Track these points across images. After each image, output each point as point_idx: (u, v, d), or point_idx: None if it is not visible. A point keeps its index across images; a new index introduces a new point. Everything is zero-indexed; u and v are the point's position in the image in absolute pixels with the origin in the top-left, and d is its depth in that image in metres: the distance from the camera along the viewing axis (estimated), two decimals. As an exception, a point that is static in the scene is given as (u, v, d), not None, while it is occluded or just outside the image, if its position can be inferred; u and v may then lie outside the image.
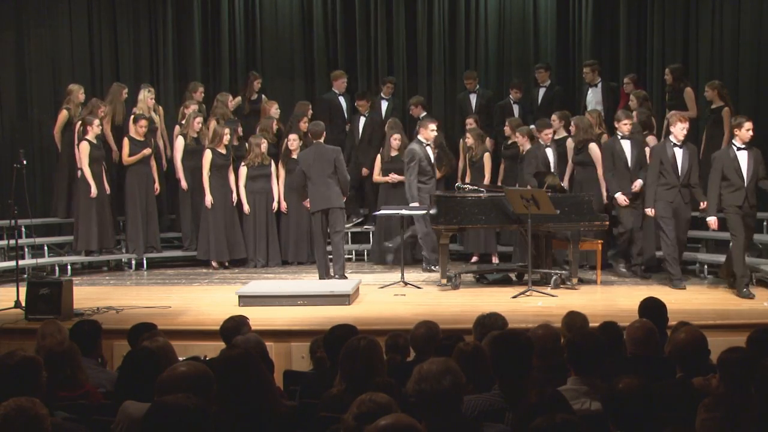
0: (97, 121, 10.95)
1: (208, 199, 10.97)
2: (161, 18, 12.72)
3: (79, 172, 10.92)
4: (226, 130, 11.07)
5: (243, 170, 11.11)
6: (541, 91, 12.12)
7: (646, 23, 12.16)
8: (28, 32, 12.40)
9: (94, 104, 11.28)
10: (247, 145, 11.19)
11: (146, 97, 11.58)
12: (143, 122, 11.14)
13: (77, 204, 11.04)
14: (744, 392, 3.87)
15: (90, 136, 10.89)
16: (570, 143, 10.74)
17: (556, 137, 10.83)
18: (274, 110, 11.75)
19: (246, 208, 11.12)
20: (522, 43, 12.77)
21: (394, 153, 11.29)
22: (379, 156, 11.45)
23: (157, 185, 11.41)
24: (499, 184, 10.96)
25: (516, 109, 11.99)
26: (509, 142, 11.17)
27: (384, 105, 12.25)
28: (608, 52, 12.44)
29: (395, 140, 11.28)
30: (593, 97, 11.75)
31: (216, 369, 3.96)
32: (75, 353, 4.79)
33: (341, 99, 12.29)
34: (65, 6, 12.49)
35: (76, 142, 11.01)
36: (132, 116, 11.29)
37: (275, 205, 11.25)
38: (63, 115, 11.36)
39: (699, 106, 10.97)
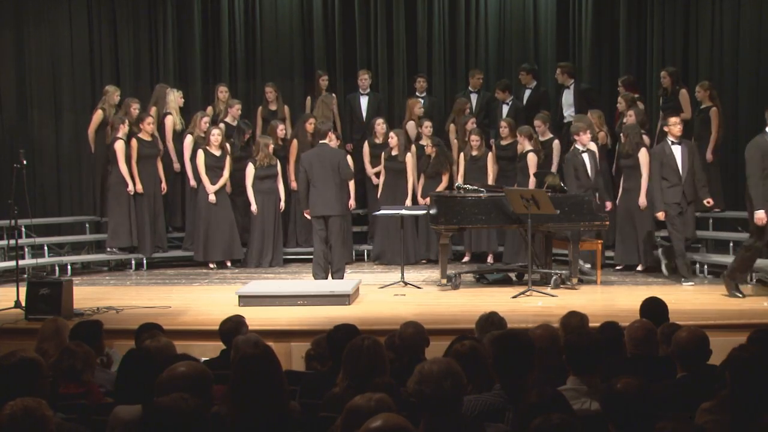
0: (126, 122, 11.06)
1: (212, 198, 10.98)
2: (161, 18, 12.71)
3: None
4: (216, 131, 11.06)
5: (251, 170, 11.06)
6: (527, 93, 12.12)
7: (646, 23, 12.15)
8: (28, 32, 12.41)
9: (127, 104, 11.38)
10: (254, 145, 11.22)
11: (176, 97, 11.62)
12: (150, 119, 11.16)
13: (111, 202, 11.14)
14: (754, 394, 3.76)
15: (120, 134, 10.98)
16: (557, 144, 10.90)
17: (542, 139, 10.86)
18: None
19: (254, 207, 11.08)
20: (522, 43, 12.76)
21: (395, 152, 11.31)
22: (382, 154, 11.43)
23: (164, 185, 11.43)
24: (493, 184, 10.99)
25: (504, 109, 11.96)
26: (505, 143, 11.16)
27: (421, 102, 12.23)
28: (608, 52, 12.42)
29: (391, 139, 11.29)
30: (566, 100, 11.73)
31: (234, 368, 3.91)
32: (90, 354, 4.87)
33: (362, 98, 12.27)
34: (65, 6, 12.50)
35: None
36: (136, 116, 11.31)
37: (282, 204, 11.24)
38: (98, 115, 11.45)
39: (693, 108, 10.98)
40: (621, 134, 10.33)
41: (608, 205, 10.06)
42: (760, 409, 3.59)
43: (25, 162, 8.90)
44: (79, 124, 12.45)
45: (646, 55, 12.20)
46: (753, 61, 11.45)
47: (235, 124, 11.66)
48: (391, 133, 11.30)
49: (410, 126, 11.68)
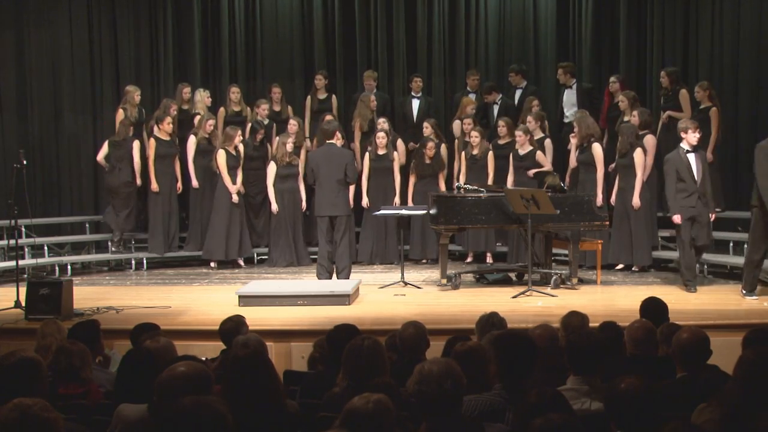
0: (131, 127, 11.25)
1: (235, 198, 11.00)
2: (161, 18, 12.71)
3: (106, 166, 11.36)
4: (238, 132, 11.10)
5: (272, 169, 11.06)
6: (517, 93, 12.11)
7: (646, 23, 12.16)
8: (28, 32, 12.41)
9: (165, 105, 11.44)
10: (274, 144, 11.22)
11: (203, 97, 11.66)
12: (169, 119, 11.22)
13: (116, 200, 11.31)
14: (758, 395, 3.71)
15: (131, 134, 11.20)
16: (548, 143, 10.89)
17: (535, 137, 10.86)
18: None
19: (274, 207, 11.07)
20: (522, 43, 12.76)
21: (381, 151, 11.29)
22: (367, 154, 11.41)
23: (179, 184, 11.46)
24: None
25: (495, 110, 11.96)
26: (503, 142, 11.16)
27: (415, 103, 12.22)
28: (608, 51, 12.43)
29: (380, 139, 11.27)
30: (568, 99, 11.73)
31: (226, 369, 3.92)
32: (85, 351, 4.86)
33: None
34: (65, 6, 12.50)
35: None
36: (155, 115, 11.36)
37: (304, 204, 11.25)
38: (119, 114, 11.53)
39: (693, 108, 10.97)
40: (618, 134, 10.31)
41: (712, 216, 9.14)
42: (760, 409, 3.59)
43: (25, 162, 8.91)
44: (79, 124, 12.48)
45: (646, 55, 12.21)
46: (753, 61, 11.45)
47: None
48: (381, 133, 11.29)
49: (456, 125, 11.66)
